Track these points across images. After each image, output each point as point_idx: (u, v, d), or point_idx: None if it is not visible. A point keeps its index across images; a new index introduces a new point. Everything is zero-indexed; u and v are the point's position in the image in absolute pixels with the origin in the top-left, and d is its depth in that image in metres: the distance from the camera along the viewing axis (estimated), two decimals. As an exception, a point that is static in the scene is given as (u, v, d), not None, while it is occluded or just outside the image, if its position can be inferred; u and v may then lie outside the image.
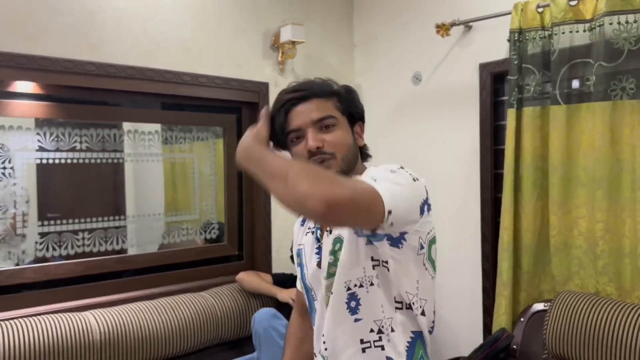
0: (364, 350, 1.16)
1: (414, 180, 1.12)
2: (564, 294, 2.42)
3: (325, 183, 0.94)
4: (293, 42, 3.02)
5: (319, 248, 1.27)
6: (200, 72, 2.82)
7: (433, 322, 1.24)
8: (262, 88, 3.08)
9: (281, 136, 1.23)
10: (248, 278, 2.80)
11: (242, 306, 2.72)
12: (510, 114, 2.59)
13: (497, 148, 2.87)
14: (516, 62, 2.56)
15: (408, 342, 1.17)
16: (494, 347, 2.45)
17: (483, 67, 2.85)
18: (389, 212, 1.01)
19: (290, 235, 3.34)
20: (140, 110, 2.77)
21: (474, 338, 2.90)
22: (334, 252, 1.20)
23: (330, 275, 1.20)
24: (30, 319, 2.17)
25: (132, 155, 2.73)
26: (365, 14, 3.50)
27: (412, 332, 1.18)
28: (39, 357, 2.07)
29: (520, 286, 2.66)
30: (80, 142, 2.53)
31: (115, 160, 2.66)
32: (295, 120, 1.20)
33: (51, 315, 2.22)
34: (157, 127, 2.81)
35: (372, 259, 1.16)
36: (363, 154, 1.30)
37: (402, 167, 1.14)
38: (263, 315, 2.45)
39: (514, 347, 2.55)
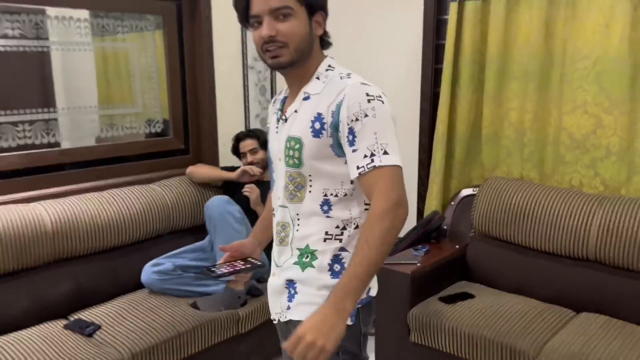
0: (325, 240, 1.32)
1: (382, 103, 1.25)
2: (491, 180, 2.66)
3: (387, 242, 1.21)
4: None
5: (277, 132, 1.38)
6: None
7: None
8: (203, -26, 2.93)
9: (243, 17, 1.29)
10: (198, 169, 2.85)
11: (192, 196, 2.79)
12: (453, 8, 2.65)
13: (438, 43, 2.94)
14: (462, -46, 2.57)
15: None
16: (427, 227, 2.69)
17: (429, -41, 2.84)
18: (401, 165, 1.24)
19: (236, 129, 3.37)
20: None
21: (409, 221, 3.14)
22: (294, 149, 1.30)
23: (294, 165, 1.31)
24: (-24, 210, 2.15)
25: (59, 44, 2.55)
26: None
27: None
28: (-9, 246, 2.09)
29: (452, 174, 2.88)
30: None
31: (40, 49, 2.51)
32: (255, 6, 1.25)
33: (0, 206, 2.20)
34: (85, 13, 2.61)
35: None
36: (324, 41, 1.35)
37: (370, 99, 1.23)
38: (217, 201, 2.52)
39: (445, 227, 2.82)
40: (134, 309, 2.30)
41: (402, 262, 2.40)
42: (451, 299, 2.35)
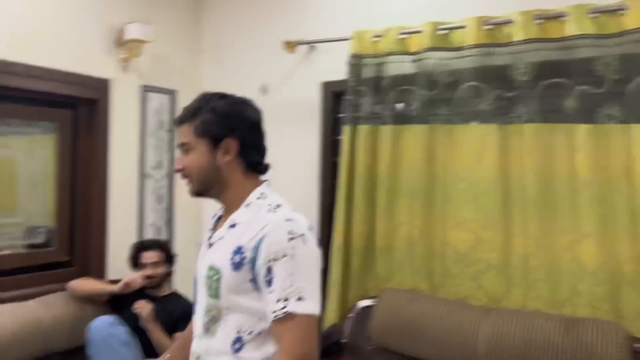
0: None
1: (304, 243, 1.21)
2: (386, 291, 2.75)
3: None
4: (140, 41, 2.95)
5: (203, 256, 1.37)
6: (37, 63, 2.61)
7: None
8: (102, 85, 2.94)
9: None
10: (80, 283, 2.65)
11: (73, 314, 2.56)
12: (346, 131, 2.86)
13: (335, 160, 3.12)
14: (352, 84, 2.84)
15: None
16: (326, 342, 2.67)
17: (325, 85, 3.10)
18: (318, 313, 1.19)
19: (129, 239, 3.23)
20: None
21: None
22: (213, 279, 1.27)
23: (212, 296, 1.28)
24: None
25: None
26: (213, 20, 3.54)
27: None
28: None
29: (349, 285, 2.93)
30: None
31: None
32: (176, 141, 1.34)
33: None
34: None
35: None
36: (253, 165, 1.35)
37: (291, 237, 1.20)
38: (100, 324, 2.34)
39: (343, 341, 2.81)
40: None
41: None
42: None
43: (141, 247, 2.78)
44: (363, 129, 2.84)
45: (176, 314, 2.64)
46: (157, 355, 2.46)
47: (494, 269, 2.53)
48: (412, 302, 2.61)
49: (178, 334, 2.62)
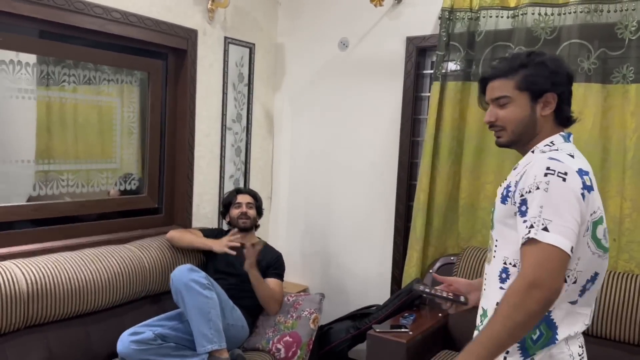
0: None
1: (563, 180, 1.21)
2: (469, 249, 2.77)
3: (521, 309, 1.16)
4: (226, -10, 2.94)
5: None
6: (131, 10, 2.63)
7: None
8: (191, 35, 2.95)
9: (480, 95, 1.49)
10: (179, 234, 2.72)
11: (169, 259, 2.65)
12: (435, 87, 2.84)
13: (415, 117, 3.11)
14: (444, 39, 2.79)
15: None
16: (410, 295, 2.72)
17: (410, 40, 3.05)
18: (571, 249, 1.18)
19: (211, 190, 3.33)
20: (70, 46, 2.51)
21: (383, 288, 3.18)
22: (491, 211, 1.45)
23: (490, 227, 1.45)
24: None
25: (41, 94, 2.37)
26: (293, -28, 3.49)
27: None
28: (-41, 310, 1.86)
29: (429, 242, 2.97)
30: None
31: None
32: (486, 96, 1.44)
33: (-32, 264, 1.98)
34: (32, 58, 2.39)
35: None
36: (561, 118, 1.39)
37: (548, 172, 1.22)
38: (180, 272, 2.40)
39: (424, 295, 2.86)
40: (113, 382, 2.10)
41: (394, 330, 2.40)
42: (443, 368, 2.36)
43: (238, 190, 2.94)
44: (452, 85, 2.81)
45: (265, 261, 2.73)
46: (237, 298, 2.56)
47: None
48: (498, 260, 2.62)
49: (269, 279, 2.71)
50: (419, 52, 3.06)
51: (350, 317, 2.98)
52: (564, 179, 1.21)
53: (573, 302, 1.30)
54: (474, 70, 2.76)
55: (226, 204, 2.90)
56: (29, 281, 2.06)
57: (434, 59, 2.93)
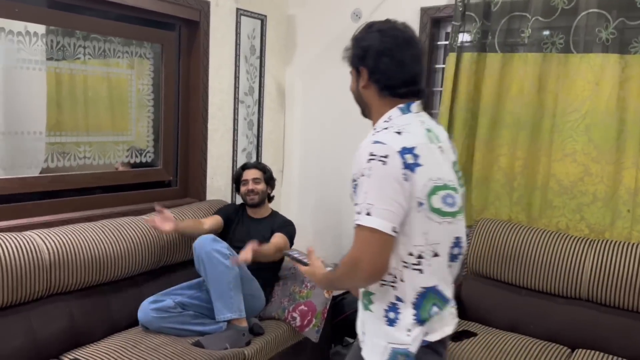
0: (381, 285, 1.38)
1: (384, 164, 1.26)
2: (483, 221, 2.78)
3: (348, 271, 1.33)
4: (240, -39, 2.90)
5: None
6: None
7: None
8: (204, 6, 2.93)
9: None
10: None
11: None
12: (451, 58, 2.81)
13: (429, 89, 3.09)
14: (461, 9, 2.76)
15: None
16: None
17: (424, 11, 3.01)
18: (393, 229, 1.26)
19: (224, 163, 3.31)
20: (84, 18, 2.49)
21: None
22: None
23: None
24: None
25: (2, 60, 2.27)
26: (305, -58, 3.44)
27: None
28: (-15, 278, 1.90)
29: (442, 214, 2.97)
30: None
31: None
32: None
33: (-8, 233, 2.02)
34: (40, 28, 2.36)
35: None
36: (387, 89, 1.41)
37: (371, 159, 1.28)
38: (203, 241, 2.43)
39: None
40: (134, 348, 2.15)
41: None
42: (456, 337, 2.39)
43: (244, 166, 2.88)
44: (468, 56, 2.78)
45: (276, 224, 2.74)
46: (254, 269, 2.54)
47: (600, 201, 2.53)
48: (511, 232, 2.64)
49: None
50: (434, 23, 3.03)
51: (363, 288, 3.02)
52: (384, 162, 1.26)
53: (448, 266, 1.39)
54: (490, 40, 2.73)
55: (236, 182, 2.89)
56: (51, 250, 2.10)
57: (449, 30, 2.90)
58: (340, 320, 2.93)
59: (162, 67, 2.89)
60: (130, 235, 2.42)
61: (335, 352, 3.11)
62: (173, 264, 2.65)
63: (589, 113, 2.50)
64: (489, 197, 2.87)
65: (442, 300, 1.37)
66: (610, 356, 2.29)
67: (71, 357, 2.05)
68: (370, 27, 1.44)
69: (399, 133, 1.31)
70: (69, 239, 2.19)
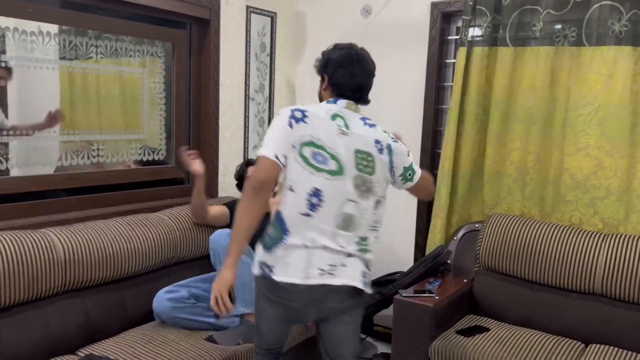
0: None
1: (278, 115, 1.78)
2: (495, 216, 2.77)
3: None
4: (250, -41, 2.91)
5: None
6: (154, -21, 2.63)
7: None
8: (214, 4, 2.94)
9: None
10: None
11: (198, 227, 2.70)
12: (461, 53, 2.80)
13: (439, 84, 3.09)
14: (471, 3, 2.74)
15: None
16: (435, 261, 2.75)
17: (434, 5, 3.00)
18: (275, 156, 1.71)
19: (235, 160, 3.31)
20: (96, 17, 2.52)
21: (407, 256, 3.20)
22: None
23: None
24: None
25: (15, 60, 2.28)
26: (314, -61, 3.44)
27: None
28: (3, 275, 1.93)
29: (454, 209, 2.97)
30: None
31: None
32: None
33: (8, 232, 2.05)
34: (53, 28, 2.39)
35: None
36: (337, 90, 1.90)
37: (276, 117, 1.79)
38: (219, 236, 2.46)
39: (449, 261, 2.88)
40: (149, 343, 2.18)
41: (420, 294, 2.43)
42: (469, 332, 2.39)
43: (247, 163, 2.89)
44: (479, 50, 2.77)
45: None
46: None
47: (614, 195, 2.51)
48: (523, 226, 2.63)
49: None
50: (444, 17, 3.02)
51: (375, 283, 3.01)
52: (279, 114, 1.77)
53: (305, 214, 1.73)
54: (501, 34, 2.72)
55: (239, 178, 2.90)
56: (66, 247, 2.13)
57: (459, 24, 2.89)
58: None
59: (173, 66, 2.91)
60: (143, 232, 2.44)
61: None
62: (186, 260, 2.67)
63: (602, 106, 2.48)
64: (501, 192, 2.85)
65: (281, 229, 1.75)
66: (625, 351, 2.27)
67: (86, 353, 2.08)
68: (336, 46, 1.91)
69: (305, 106, 1.81)
70: (84, 236, 2.21)
